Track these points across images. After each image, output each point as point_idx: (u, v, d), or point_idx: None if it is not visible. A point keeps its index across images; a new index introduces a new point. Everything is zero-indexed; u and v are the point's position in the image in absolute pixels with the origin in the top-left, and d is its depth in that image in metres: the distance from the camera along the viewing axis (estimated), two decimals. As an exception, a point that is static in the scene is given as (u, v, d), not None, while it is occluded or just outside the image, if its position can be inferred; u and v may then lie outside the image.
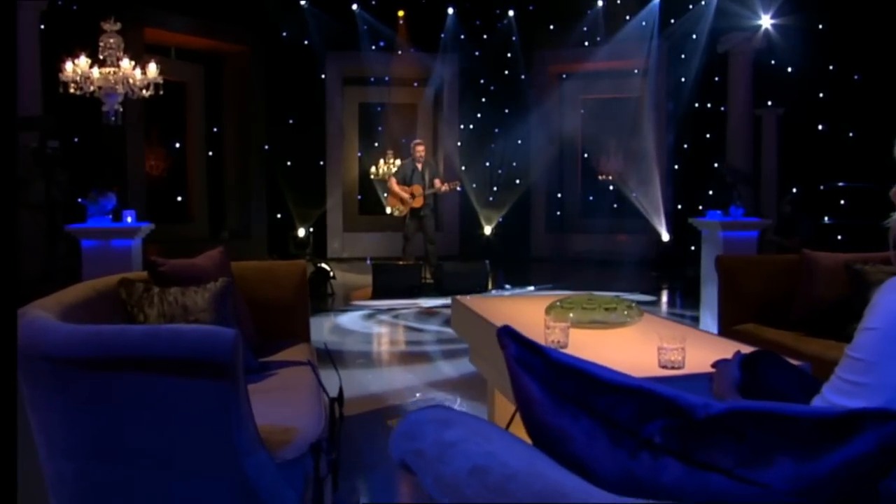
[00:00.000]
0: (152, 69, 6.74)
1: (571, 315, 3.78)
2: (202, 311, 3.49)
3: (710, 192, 11.80)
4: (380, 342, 7.22)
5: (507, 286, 10.14)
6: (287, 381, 3.51)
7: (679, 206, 12.42)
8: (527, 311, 4.34)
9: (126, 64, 6.55)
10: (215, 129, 12.96)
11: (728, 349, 3.40)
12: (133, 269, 5.83)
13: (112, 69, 6.51)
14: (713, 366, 2.32)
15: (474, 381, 5.32)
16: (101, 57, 6.54)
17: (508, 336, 1.51)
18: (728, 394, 2.01)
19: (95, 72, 6.51)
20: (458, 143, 13.69)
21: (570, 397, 1.41)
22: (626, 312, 3.92)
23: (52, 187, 7.34)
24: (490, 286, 9.76)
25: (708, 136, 12.06)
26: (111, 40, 6.49)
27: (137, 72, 6.63)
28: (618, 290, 9.68)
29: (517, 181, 13.76)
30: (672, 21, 12.38)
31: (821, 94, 10.74)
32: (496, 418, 4.37)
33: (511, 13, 13.25)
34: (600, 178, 14.02)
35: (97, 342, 2.28)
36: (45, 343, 2.30)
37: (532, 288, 10.19)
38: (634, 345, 3.60)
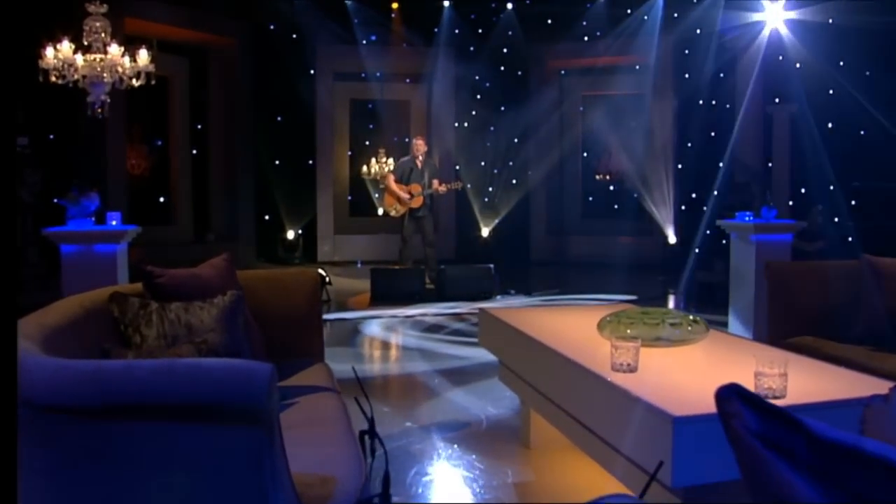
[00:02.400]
0: (143, 56, 6.14)
1: (629, 332, 3.32)
2: (210, 332, 2.97)
3: (716, 193, 11.45)
4: (389, 353, 6.69)
5: (512, 291, 9.66)
6: (312, 414, 2.99)
7: (683, 207, 12.04)
8: (573, 325, 3.88)
9: (115, 50, 5.95)
10: (200, 126, 12.50)
11: (835, 376, 2.95)
12: (118, 277, 5.31)
13: (98, 56, 5.91)
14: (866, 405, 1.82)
15: (500, 396, 4.85)
16: (85, 42, 5.95)
17: (740, 400, 1.00)
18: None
19: (79, 59, 5.91)
20: (454, 142, 13.27)
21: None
22: (690, 328, 3.46)
23: (20, 189, 6.84)
24: (495, 292, 9.27)
25: (713, 133, 11.67)
26: (97, 24, 5.88)
27: (126, 59, 6.04)
28: (624, 293, 9.27)
29: (513, 181, 13.37)
30: (675, 15, 12.02)
31: (831, 91, 10.40)
32: (532, 442, 3.99)
33: (509, 6, 12.85)
34: (602, 178, 13.64)
35: (95, 383, 1.79)
36: (26, 384, 1.79)
37: (537, 294, 9.71)
38: (712, 367, 3.17)
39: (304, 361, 3.86)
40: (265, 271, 4.34)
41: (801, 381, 2.73)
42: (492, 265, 9.34)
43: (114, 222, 5.41)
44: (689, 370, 3.06)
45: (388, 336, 7.28)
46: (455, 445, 4.09)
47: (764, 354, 2.80)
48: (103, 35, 5.93)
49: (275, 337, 3.77)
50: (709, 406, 2.54)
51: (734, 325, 6.58)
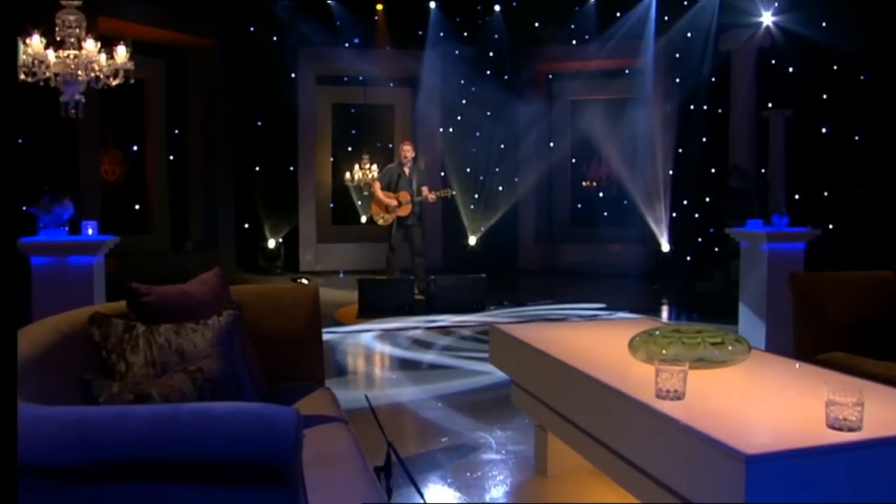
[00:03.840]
0: (121, 53, 5.71)
1: (666, 352, 3.01)
2: (205, 357, 2.61)
3: (708, 200, 11.26)
4: (388, 372, 6.32)
5: (505, 302, 9.34)
6: (323, 449, 2.66)
7: (674, 215, 11.83)
8: (598, 343, 3.58)
9: (90, 46, 5.52)
10: (177, 131, 12.17)
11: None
12: (94, 292, 4.91)
13: (72, 52, 5.48)
14: None
15: (511, 417, 4.57)
16: (57, 37, 5.51)
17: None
18: None
19: (51, 55, 5.47)
20: (439, 148, 12.97)
21: None
22: (731, 348, 3.16)
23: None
24: (487, 303, 8.95)
25: (704, 139, 11.48)
26: (71, 17, 5.43)
27: (103, 56, 5.62)
28: (619, 305, 9.05)
29: (500, 188, 13.10)
30: (666, 18, 11.82)
31: (825, 96, 10.24)
32: (550, 466, 3.73)
33: (497, 8, 12.63)
34: (592, 184, 13.41)
35: (80, 437, 1.45)
36: (-7, 439, 1.41)
37: (531, 304, 9.40)
38: (768, 393, 2.88)
39: (303, 386, 3.55)
40: (260, 287, 4.00)
41: (873, 408, 2.43)
42: (484, 275, 9.02)
43: (90, 231, 5.01)
44: (741, 397, 2.77)
45: (384, 352, 6.89)
46: (468, 474, 3.79)
47: (835, 381, 2.50)
48: (77, 30, 5.49)
49: (271, 359, 3.46)
50: (784, 441, 2.25)
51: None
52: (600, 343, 3.58)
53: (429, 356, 6.66)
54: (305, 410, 3.22)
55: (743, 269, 6.47)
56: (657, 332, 3.21)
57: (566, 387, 3.20)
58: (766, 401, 2.72)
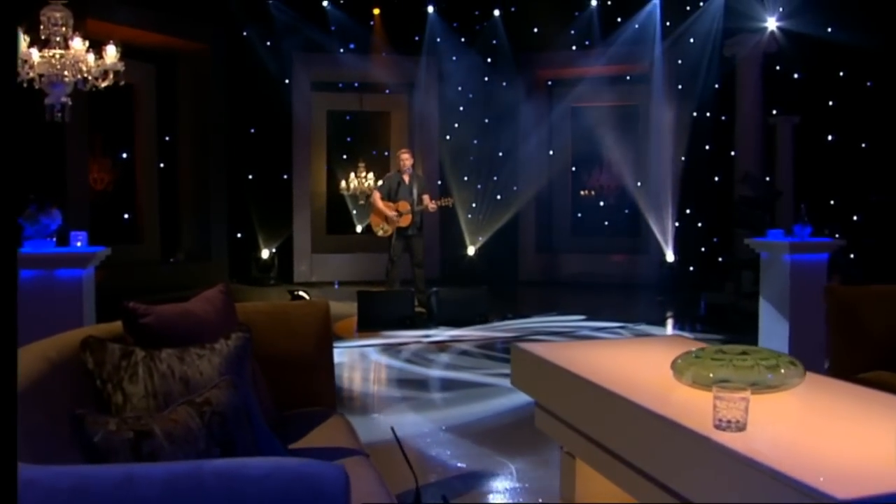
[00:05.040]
0: (111, 52, 5.38)
1: (713, 375, 2.75)
2: (213, 387, 2.31)
3: (712, 209, 11.06)
4: (397, 392, 6.01)
5: (509, 315, 9.07)
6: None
7: (676, 224, 11.62)
8: (635, 364, 3.31)
9: (78, 45, 5.19)
10: (168, 138, 12.00)
11: None
12: (84, 308, 4.59)
13: (58, 51, 5.15)
14: None
15: (533, 442, 4.25)
16: (42, 36, 5.18)
17: None
18: None
19: (35, 54, 5.14)
20: (436, 156, 12.73)
21: None
22: (784, 371, 2.88)
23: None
24: (491, 316, 8.68)
25: (708, 147, 11.28)
26: (57, 14, 5.11)
27: (91, 57, 5.29)
28: (628, 318, 8.80)
29: (498, 196, 12.84)
30: (668, 23, 11.64)
31: (831, 102, 10.05)
32: (578, 495, 3.47)
33: (496, 13, 12.38)
34: (587, 193, 13.22)
35: None
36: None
37: (536, 317, 9.13)
38: (830, 421, 2.58)
39: (315, 412, 3.27)
40: (267, 304, 3.69)
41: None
42: (486, 287, 8.77)
43: (79, 243, 4.69)
44: (805, 427, 2.51)
45: (391, 370, 6.55)
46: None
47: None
48: (64, 28, 5.16)
49: (279, 382, 3.19)
50: (876, 483, 1.97)
51: (767, 354, 6.04)
52: (636, 363, 3.32)
53: (439, 373, 6.38)
54: (321, 441, 2.95)
55: (763, 282, 6.20)
56: (702, 353, 2.96)
57: (601, 411, 2.94)
58: (833, 432, 2.44)
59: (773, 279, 6.06)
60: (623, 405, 2.71)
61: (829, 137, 9.95)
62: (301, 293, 8.55)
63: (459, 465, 4.14)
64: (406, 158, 9.08)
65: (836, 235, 9.28)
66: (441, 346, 7.46)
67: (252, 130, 12.27)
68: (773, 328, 6.04)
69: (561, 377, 3.30)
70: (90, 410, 2.07)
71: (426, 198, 9.00)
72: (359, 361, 6.87)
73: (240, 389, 2.32)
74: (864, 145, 9.73)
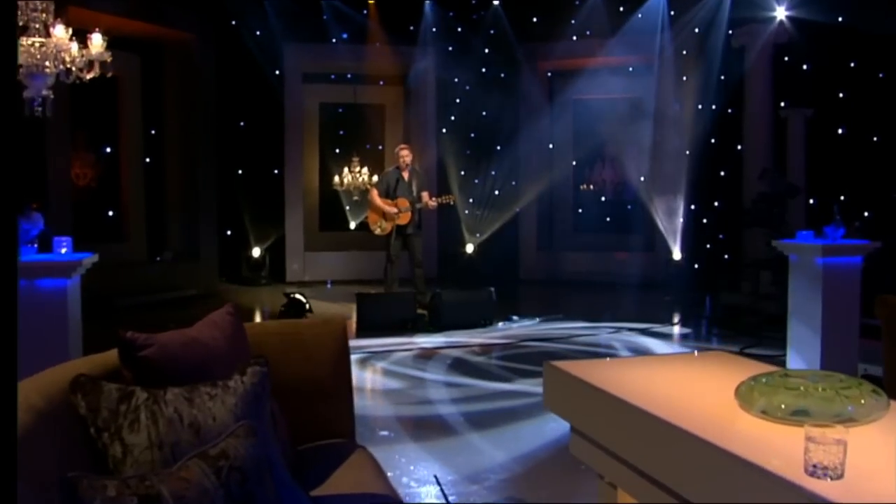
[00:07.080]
0: (97, 41, 4.93)
1: (785, 406, 2.40)
2: (229, 436, 1.95)
3: (717, 204, 10.75)
4: (404, 406, 5.61)
5: (515, 318, 8.73)
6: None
7: (681, 220, 11.31)
8: (687, 387, 2.93)
9: (60, 33, 4.74)
10: (154, 132, 11.64)
11: None
12: (70, 322, 4.18)
13: (38, 40, 4.70)
14: None
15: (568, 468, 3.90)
16: (20, 23, 4.73)
17: None
18: None
19: (14, 43, 4.73)
20: (433, 149, 12.42)
21: None
22: (865, 402, 2.50)
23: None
24: (496, 318, 8.33)
25: (714, 140, 10.96)
26: (37, 1, 4.68)
27: (74, 46, 4.85)
28: (629, 318, 8.56)
29: (497, 192, 12.54)
30: (672, 13, 11.32)
31: (841, 94, 9.75)
32: None
33: (495, 2, 12.08)
34: (586, 188, 12.97)
35: None
36: None
37: (542, 319, 8.77)
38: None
39: (334, 447, 2.94)
40: (277, 323, 3.32)
41: None
42: (492, 288, 8.43)
43: (63, 249, 4.30)
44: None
45: (401, 383, 6.11)
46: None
47: None
48: (44, 14, 4.72)
49: (293, 411, 2.81)
50: None
51: (796, 362, 5.70)
52: (690, 386, 2.96)
53: (452, 384, 6.02)
54: (346, 486, 2.60)
55: (793, 285, 5.86)
56: (772, 380, 2.59)
57: (651, 442, 2.58)
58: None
59: (802, 283, 5.71)
60: (679, 437, 2.36)
61: (841, 131, 9.64)
62: (297, 296, 8.16)
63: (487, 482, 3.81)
64: (405, 155, 8.83)
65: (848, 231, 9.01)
66: (450, 351, 7.10)
67: (242, 124, 12.03)
68: (802, 335, 5.70)
69: (603, 400, 2.95)
70: (83, 472, 1.69)
71: (426, 195, 8.74)
72: (363, 372, 6.44)
73: (260, 437, 1.95)
74: (877, 139, 9.44)
